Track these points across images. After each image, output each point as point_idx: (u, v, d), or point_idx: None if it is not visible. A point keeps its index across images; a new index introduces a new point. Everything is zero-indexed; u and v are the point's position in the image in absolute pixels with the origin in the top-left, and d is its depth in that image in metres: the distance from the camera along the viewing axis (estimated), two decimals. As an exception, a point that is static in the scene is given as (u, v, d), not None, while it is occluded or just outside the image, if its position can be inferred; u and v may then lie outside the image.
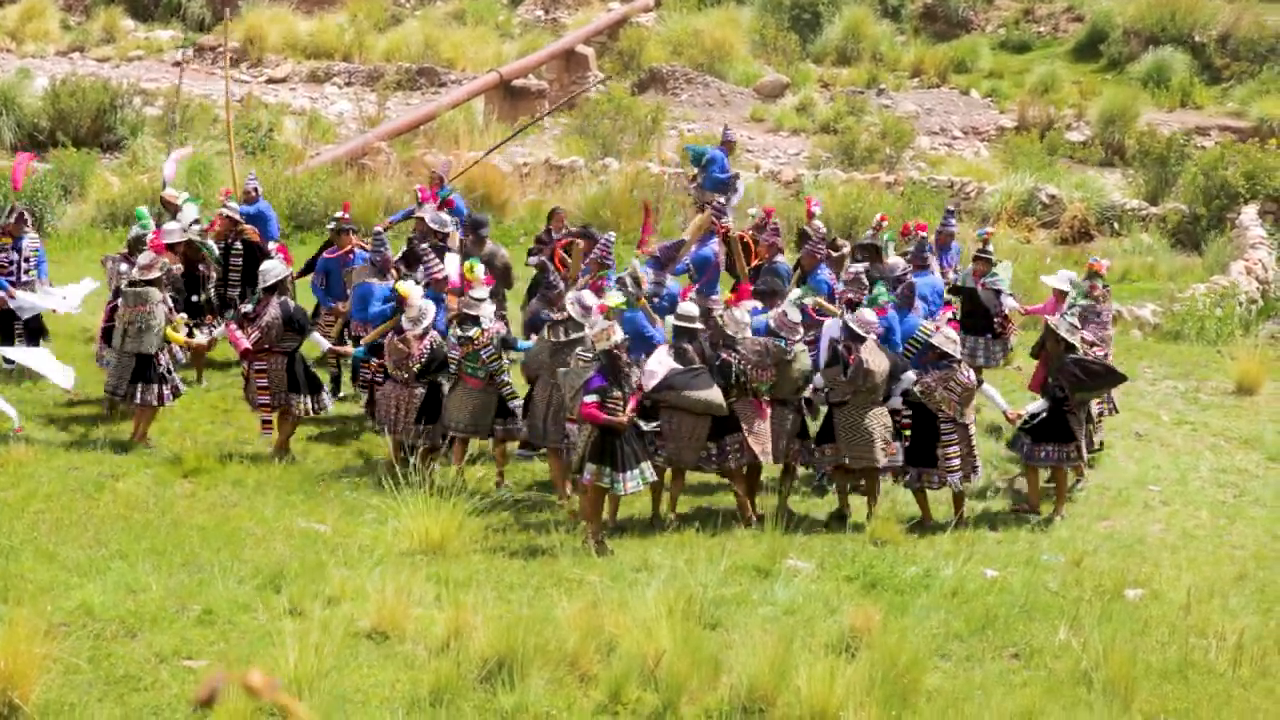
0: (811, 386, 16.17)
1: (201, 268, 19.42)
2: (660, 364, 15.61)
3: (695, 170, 24.74)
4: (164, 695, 11.04)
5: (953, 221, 21.23)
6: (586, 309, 15.83)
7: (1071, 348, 16.41)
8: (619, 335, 14.95)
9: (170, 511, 15.21)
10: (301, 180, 28.38)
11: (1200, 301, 25.27)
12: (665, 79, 41.00)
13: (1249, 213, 30.24)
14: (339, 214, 19.49)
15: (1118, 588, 14.21)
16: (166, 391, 17.28)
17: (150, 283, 17.09)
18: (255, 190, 21.13)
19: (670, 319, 16.13)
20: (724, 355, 15.79)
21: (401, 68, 41.02)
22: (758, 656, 11.56)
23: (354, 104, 37.73)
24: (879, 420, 15.98)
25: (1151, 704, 11.84)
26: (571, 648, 11.78)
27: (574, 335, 15.86)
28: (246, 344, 16.83)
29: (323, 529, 14.82)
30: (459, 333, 16.40)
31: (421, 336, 16.40)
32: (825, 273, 18.56)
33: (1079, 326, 16.76)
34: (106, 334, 18.15)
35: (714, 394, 15.56)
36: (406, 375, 16.47)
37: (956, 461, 15.93)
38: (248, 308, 17.21)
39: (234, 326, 17.05)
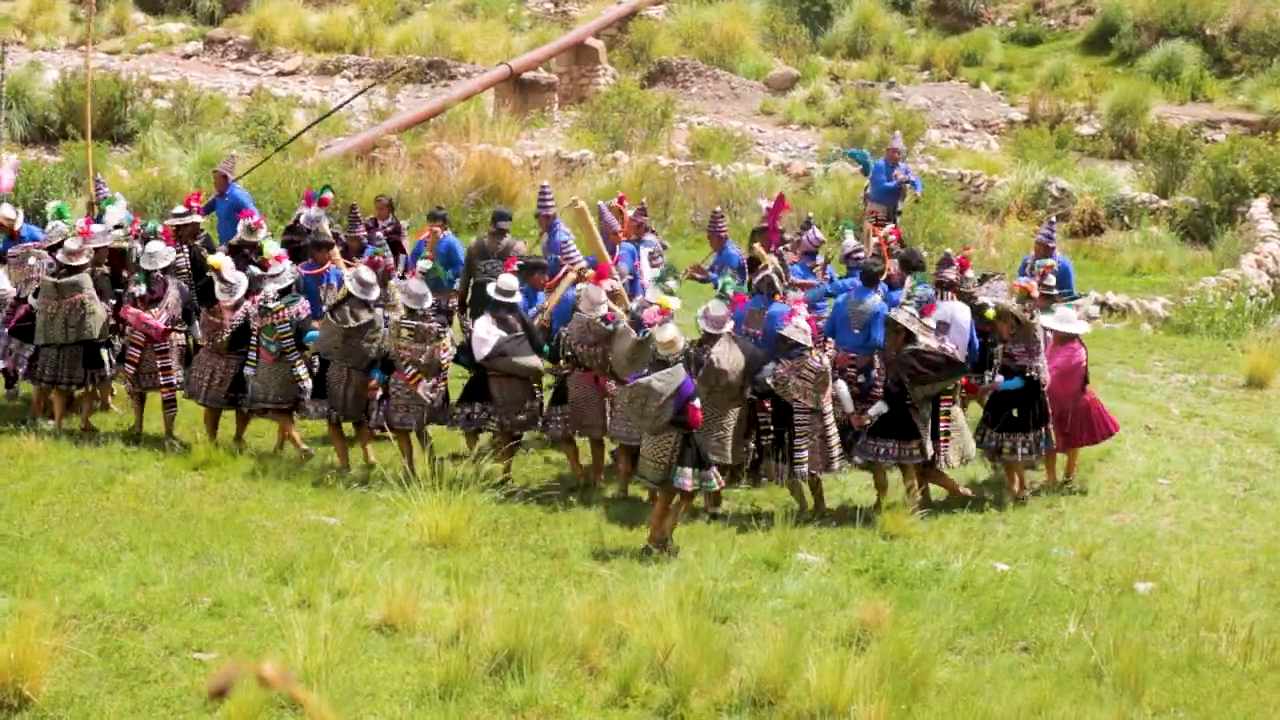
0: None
1: (125, 273, 18.29)
2: (489, 333, 16.20)
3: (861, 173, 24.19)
4: (174, 687, 11.05)
5: (1045, 233, 19.57)
6: (366, 285, 16.45)
7: (912, 337, 15.72)
8: (684, 342, 14.92)
9: (180, 504, 15.23)
10: (311, 173, 28.37)
11: (1211, 295, 25.24)
12: (675, 72, 41.00)
13: (1259, 206, 30.22)
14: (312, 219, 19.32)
15: (1128, 581, 14.20)
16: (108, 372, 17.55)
17: (78, 269, 17.22)
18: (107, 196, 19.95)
19: (490, 290, 16.68)
20: (559, 330, 16.50)
21: (412, 60, 41.02)
22: (767, 650, 11.57)
23: (364, 97, 37.74)
24: (736, 419, 15.92)
25: (1161, 697, 11.84)
26: (581, 641, 11.78)
27: (363, 318, 16.37)
28: (161, 325, 17.06)
29: (333, 522, 14.83)
30: (262, 303, 16.81)
31: (234, 308, 16.86)
32: (733, 248, 18.90)
33: (918, 315, 15.98)
34: (22, 331, 17.79)
35: (534, 360, 16.40)
36: (216, 345, 16.93)
37: (805, 454, 15.71)
38: (140, 290, 17.28)
39: (135, 310, 17.12)
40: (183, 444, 17.00)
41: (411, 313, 16.40)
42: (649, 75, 41.06)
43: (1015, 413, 16.40)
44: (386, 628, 12.13)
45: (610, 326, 16.15)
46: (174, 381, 17.23)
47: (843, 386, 16.06)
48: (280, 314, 16.71)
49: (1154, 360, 21.81)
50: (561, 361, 16.57)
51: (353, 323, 16.38)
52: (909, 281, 17.19)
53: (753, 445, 16.09)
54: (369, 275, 16.65)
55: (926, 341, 15.79)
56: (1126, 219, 31.40)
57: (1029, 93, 40.66)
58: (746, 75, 41.77)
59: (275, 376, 16.79)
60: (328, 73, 41.55)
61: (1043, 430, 16.47)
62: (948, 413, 16.03)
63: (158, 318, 17.03)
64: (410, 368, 16.30)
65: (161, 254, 17.27)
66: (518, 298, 16.52)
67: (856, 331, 16.53)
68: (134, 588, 12.59)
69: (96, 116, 31.79)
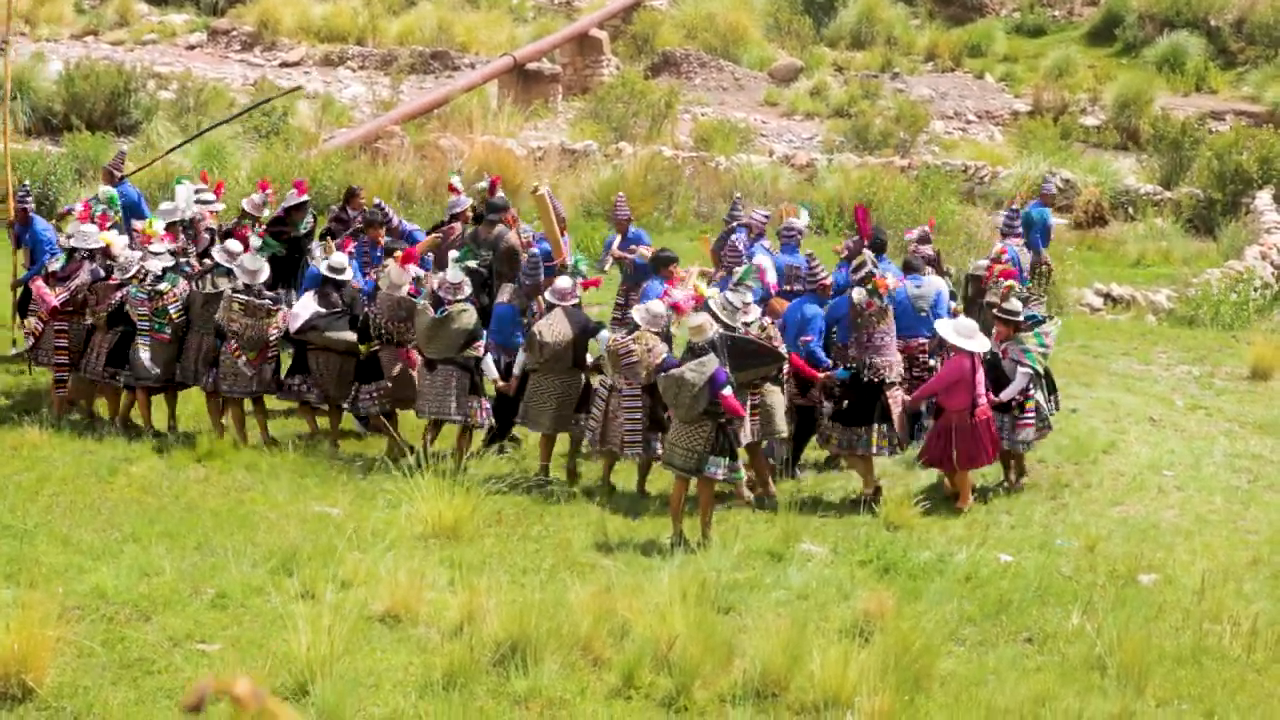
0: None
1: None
2: (304, 307, 16.81)
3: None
4: (177, 678, 11.05)
5: (1006, 219, 19.66)
6: (232, 254, 16.93)
7: (729, 327, 15.38)
8: (713, 330, 14.90)
9: (184, 495, 15.24)
10: (315, 164, 28.38)
11: (1215, 286, 25.22)
12: (679, 63, 40.97)
13: (1263, 197, 30.20)
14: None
15: (1131, 573, 14.18)
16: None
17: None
18: (27, 197, 19.62)
19: (321, 266, 17.18)
20: (366, 307, 16.90)
21: (415, 51, 41.00)
22: (771, 641, 11.56)
23: (367, 88, 37.72)
24: (561, 391, 16.27)
25: (1165, 689, 11.83)
26: (585, 632, 11.78)
27: (222, 287, 16.85)
28: (54, 302, 17.40)
29: (335, 513, 14.83)
30: (148, 288, 16.97)
31: (119, 288, 17.15)
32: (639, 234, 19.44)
33: (739, 306, 15.55)
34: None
35: (348, 334, 16.87)
36: (96, 320, 17.32)
37: (638, 435, 15.74)
38: (56, 267, 17.68)
39: (41, 284, 17.61)
40: (185, 434, 17.06)
41: (247, 287, 16.77)
42: (653, 66, 41.03)
43: (845, 404, 16.16)
44: (390, 619, 12.13)
45: (418, 302, 16.55)
46: (64, 362, 17.51)
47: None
48: (170, 294, 16.95)
49: (1158, 352, 21.79)
50: (372, 340, 16.84)
51: (210, 290, 16.95)
52: (738, 272, 16.65)
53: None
54: (236, 246, 17.07)
55: (749, 325, 15.55)
56: (1131, 210, 31.38)
57: (1033, 84, 40.64)
58: (750, 66, 41.75)
59: (162, 353, 17.06)
60: (331, 64, 41.52)
61: (867, 430, 15.98)
62: (756, 389, 15.81)
63: (58, 295, 17.37)
64: (234, 340, 16.75)
65: (93, 236, 17.63)
66: (348, 274, 17.09)
67: (923, 315, 16.74)
68: (137, 579, 12.60)
69: (100, 107, 31.87)
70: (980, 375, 15.89)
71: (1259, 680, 12.14)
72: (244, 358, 16.69)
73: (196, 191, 19.33)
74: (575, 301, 16.39)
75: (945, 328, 16.03)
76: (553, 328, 16.17)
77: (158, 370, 16.97)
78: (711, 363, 14.44)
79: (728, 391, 14.50)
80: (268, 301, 16.80)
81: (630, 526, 15.12)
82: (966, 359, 15.80)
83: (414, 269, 17.07)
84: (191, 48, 42.75)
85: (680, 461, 14.68)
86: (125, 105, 32.23)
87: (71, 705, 10.66)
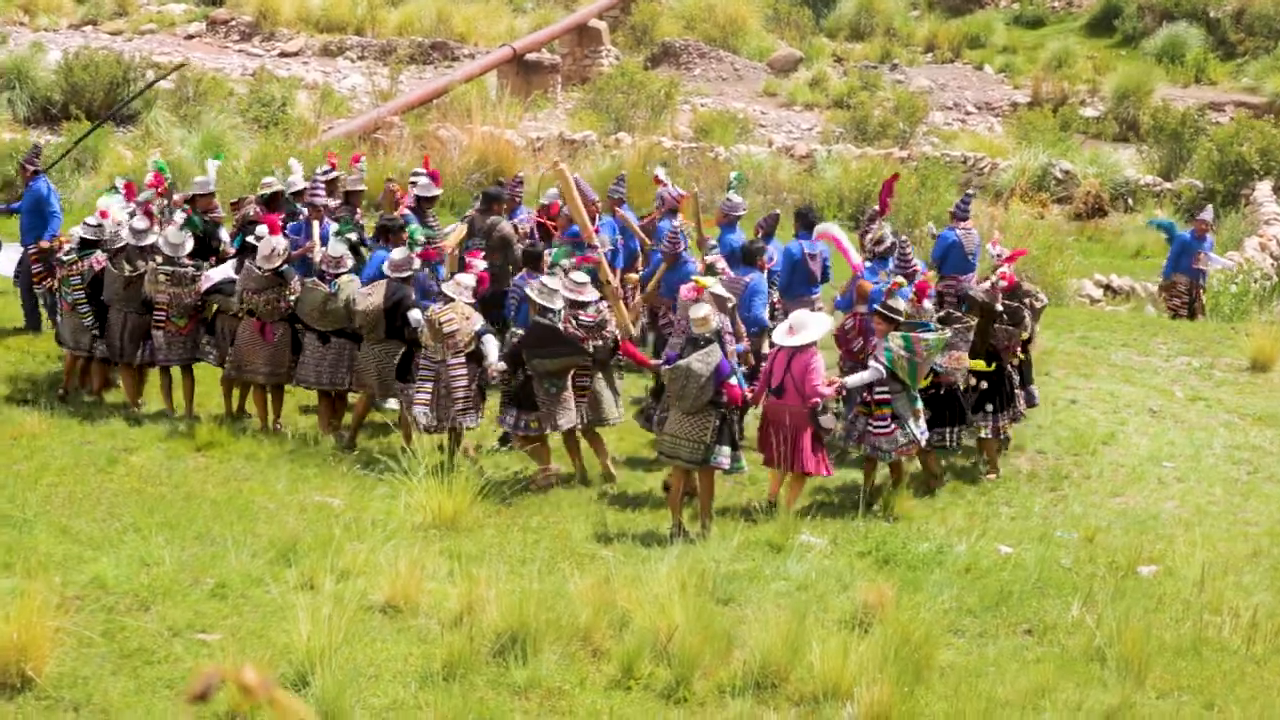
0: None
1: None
2: (220, 272, 17.46)
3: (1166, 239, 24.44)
4: (177, 669, 11.05)
5: (960, 204, 19.84)
6: (139, 232, 17.45)
7: (542, 311, 15.40)
8: (717, 320, 14.83)
9: (183, 485, 15.22)
10: (314, 155, 28.33)
11: (1215, 278, 25.21)
12: (678, 53, 40.96)
13: (1263, 189, 30.21)
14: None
15: (1131, 564, 14.18)
16: None
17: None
18: None
19: (250, 238, 17.44)
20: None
21: (414, 42, 40.97)
22: (770, 632, 11.55)
23: (366, 78, 37.69)
24: (380, 357, 16.53)
25: (1165, 681, 11.82)
26: (584, 623, 11.77)
27: (140, 268, 17.29)
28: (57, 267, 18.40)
29: (335, 503, 14.82)
30: (61, 256, 17.84)
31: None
32: (524, 211, 19.72)
33: (554, 289, 15.53)
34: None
35: (233, 301, 17.27)
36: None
37: (469, 403, 15.91)
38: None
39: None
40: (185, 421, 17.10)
41: (170, 260, 17.24)
42: (652, 57, 41.03)
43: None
44: (390, 609, 12.12)
45: (276, 275, 16.82)
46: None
47: (489, 341, 15.94)
48: (74, 267, 17.61)
49: (1158, 343, 21.78)
50: (237, 307, 17.14)
51: (129, 271, 17.34)
52: (566, 263, 16.56)
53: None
54: (141, 224, 17.58)
55: (585, 307, 15.71)
56: (1130, 201, 31.40)
57: (1032, 75, 40.65)
58: (750, 57, 41.75)
59: (69, 324, 17.80)
60: (330, 54, 41.51)
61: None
62: (586, 372, 15.98)
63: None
64: (162, 311, 17.26)
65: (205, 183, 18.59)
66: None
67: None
68: (137, 569, 12.59)
69: (98, 97, 31.83)
70: (773, 368, 15.25)
71: (1259, 672, 12.14)
72: (174, 327, 17.26)
73: (324, 172, 19.43)
74: (407, 274, 16.53)
75: (778, 329, 15.65)
76: (368, 297, 16.49)
77: (65, 337, 17.83)
78: (716, 353, 14.42)
79: (734, 381, 14.50)
80: (190, 268, 17.33)
81: (629, 517, 15.11)
82: (780, 353, 15.24)
83: (279, 240, 17.15)
84: (190, 37, 42.75)
85: (686, 454, 14.63)
86: (124, 95, 32.18)
87: (71, 695, 10.66)
